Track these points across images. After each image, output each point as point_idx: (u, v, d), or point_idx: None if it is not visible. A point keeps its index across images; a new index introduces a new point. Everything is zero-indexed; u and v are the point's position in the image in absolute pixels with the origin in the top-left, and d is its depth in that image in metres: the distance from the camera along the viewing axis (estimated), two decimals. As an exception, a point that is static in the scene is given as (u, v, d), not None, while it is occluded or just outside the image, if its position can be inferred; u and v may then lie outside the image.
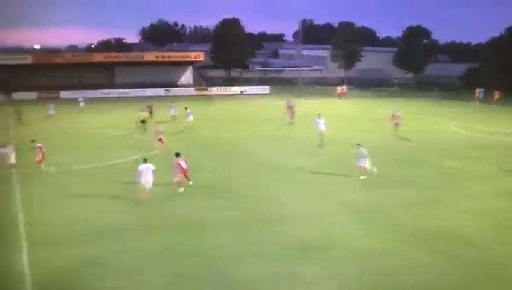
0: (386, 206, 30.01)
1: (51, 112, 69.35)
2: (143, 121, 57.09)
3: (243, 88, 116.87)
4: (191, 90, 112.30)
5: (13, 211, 29.05)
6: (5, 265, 21.87)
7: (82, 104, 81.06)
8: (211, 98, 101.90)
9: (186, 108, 61.08)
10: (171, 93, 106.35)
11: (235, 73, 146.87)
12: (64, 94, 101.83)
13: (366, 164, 35.02)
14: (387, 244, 24.07)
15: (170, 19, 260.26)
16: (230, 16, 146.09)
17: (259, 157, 44.03)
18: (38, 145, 38.52)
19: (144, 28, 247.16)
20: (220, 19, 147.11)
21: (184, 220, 27.62)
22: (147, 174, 30.34)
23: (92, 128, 60.58)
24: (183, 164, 32.67)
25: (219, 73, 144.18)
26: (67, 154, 44.76)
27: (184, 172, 32.75)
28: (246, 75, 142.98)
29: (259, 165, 40.83)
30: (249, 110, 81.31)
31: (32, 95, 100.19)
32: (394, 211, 29.24)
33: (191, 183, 33.19)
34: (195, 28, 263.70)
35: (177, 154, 33.02)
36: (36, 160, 38.00)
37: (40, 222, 27.34)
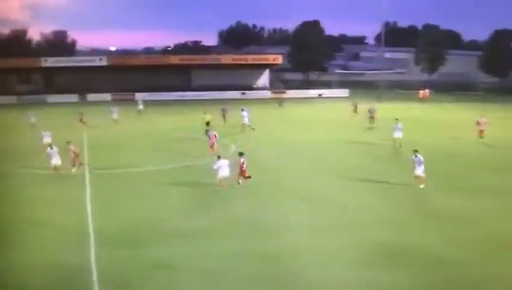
0: (474, 214, 28.52)
1: (115, 115, 68.03)
2: (208, 124, 56.79)
3: (320, 91, 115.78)
4: (268, 93, 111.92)
5: (82, 211, 29.02)
6: (76, 265, 21.72)
7: (141, 106, 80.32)
8: (287, 100, 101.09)
9: (242, 109, 61.15)
10: (247, 96, 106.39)
11: (314, 76, 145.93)
12: (139, 96, 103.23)
13: (420, 171, 33.65)
14: (472, 254, 22.91)
15: (249, 21, 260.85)
16: (310, 18, 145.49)
17: (330, 161, 43.45)
18: (71, 147, 39.45)
19: (221, 30, 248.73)
20: (300, 21, 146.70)
21: (256, 222, 27.18)
22: (223, 169, 32.82)
23: (159, 129, 61.26)
24: (244, 162, 34.07)
25: (297, 76, 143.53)
26: (133, 156, 45.55)
27: (241, 170, 33.98)
28: (325, 78, 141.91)
29: (332, 169, 39.77)
30: (324, 113, 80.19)
31: (107, 96, 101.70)
32: (482, 219, 27.72)
33: (240, 182, 34.11)
34: (274, 30, 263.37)
35: (241, 154, 34.77)
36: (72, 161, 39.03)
37: (110, 222, 27.27)
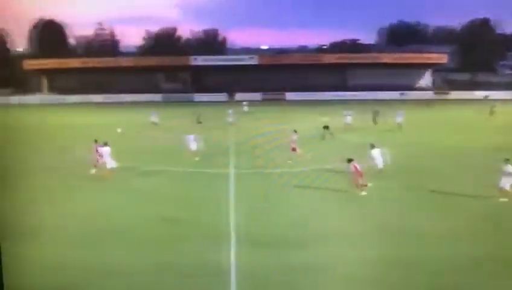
0: None
1: (230, 119, 68.20)
2: (326, 127, 55.85)
3: (487, 92, 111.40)
4: (429, 94, 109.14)
5: (224, 210, 29.56)
6: (214, 264, 22.14)
7: (246, 108, 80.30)
8: (450, 102, 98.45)
9: (398, 114, 62.63)
10: (405, 97, 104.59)
11: (481, 76, 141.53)
12: (290, 96, 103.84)
13: (508, 184, 29.97)
14: None
15: (413, 18, 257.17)
16: (479, 16, 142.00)
17: (474, 167, 41.38)
18: (96, 146, 38.51)
19: (381, 28, 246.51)
20: (468, 19, 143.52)
21: (397, 229, 26.70)
22: (377, 159, 35.35)
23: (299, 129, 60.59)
24: (358, 166, 33.08)
25: (462, 76, 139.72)
26: (271, 156, 45.76)
27: (359, 174, 33.12)
28: (494, 78, 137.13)
29: (474, 176, 37.90)
30: (485, 116, 76.28)
31: (257, 96, 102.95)
32: None
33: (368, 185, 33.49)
34: (439, 28, 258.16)
35: (349, 160, 33.37)
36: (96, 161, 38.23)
37: (251, 223, 27.60)
